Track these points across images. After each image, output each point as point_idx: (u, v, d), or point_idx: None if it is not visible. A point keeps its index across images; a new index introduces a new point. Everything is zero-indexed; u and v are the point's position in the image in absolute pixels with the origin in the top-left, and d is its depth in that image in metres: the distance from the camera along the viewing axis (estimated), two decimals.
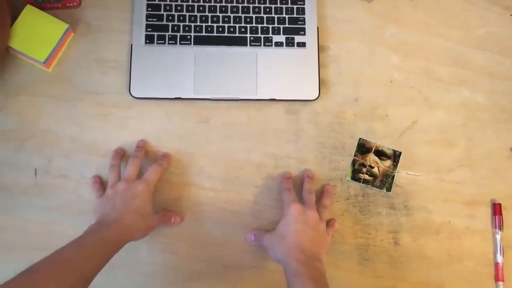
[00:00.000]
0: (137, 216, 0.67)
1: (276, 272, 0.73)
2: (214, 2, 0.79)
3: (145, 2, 0.78)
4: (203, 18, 0.79)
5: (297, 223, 0.68)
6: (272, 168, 0.77)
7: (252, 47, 0.79)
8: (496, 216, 0.76)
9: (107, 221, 0.65)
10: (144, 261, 0.73)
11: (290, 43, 0.79)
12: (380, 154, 0.78)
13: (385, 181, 0.77)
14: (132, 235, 0.66)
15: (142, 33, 0.78)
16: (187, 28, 0.78)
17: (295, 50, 0.79)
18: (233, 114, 0.78)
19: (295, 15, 0.80)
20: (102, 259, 0.60)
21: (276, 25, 0.79)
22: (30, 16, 0.75)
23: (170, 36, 0.78)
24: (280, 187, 0.75)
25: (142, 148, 0.74)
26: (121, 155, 0.74)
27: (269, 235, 0.70)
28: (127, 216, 0.66)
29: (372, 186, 0.76)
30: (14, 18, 0.74)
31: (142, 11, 0.78)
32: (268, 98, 0.77)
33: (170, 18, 0.79)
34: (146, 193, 0.69)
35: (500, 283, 0.75)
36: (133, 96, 0.76)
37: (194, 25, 0.79)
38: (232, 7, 0.79)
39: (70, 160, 0.75)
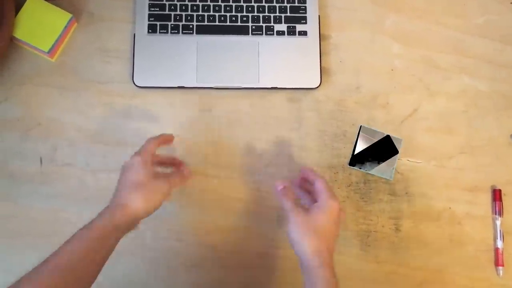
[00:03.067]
0: (132, 190, 0.60)
1: (281, 258, 0.74)
2: None
3: None
4: (205, 8, 0.79)
5: (336, 225, 0.63)
6: (275, 155, 0.77)
7: (254, 36, 0.79)
8: (496, 202, 0.77)
9: (107, 207, 0.61)
10: (149, 247, 0.74)
11: (291, 31, 0.80)
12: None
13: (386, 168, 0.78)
14: (134, 212, 0.60)
15: (144, 22, 0.78)
16: (189, 18, 0.79)
17: (296, 39, 0.80)
18: (235, 103, 0.78)
19: (296, 4, 0.80)
20: (103, 250, 0.57)
21: (277, 14, 0.80)
22: (33, 6, 0.75)
23: (172, 25, 0.79)
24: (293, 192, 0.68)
25: (167, 140, 0.70)
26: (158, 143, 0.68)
27: (301, 220, 0.62)
28: (120, 193, 0.61)
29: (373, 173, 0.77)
30: (18, 8, 0.75)
31: (144, 0, 0.79)
32: (270, 87, 0.78)
33: (173, 7, 0.79)
34: (141, 163, 0.62)
35: (500, 268, 0.76)
36: (136, 85, 0.77)
37: (196, 15, 0.79)
38: None
39: (75, 148, 0.75)
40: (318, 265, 0.59)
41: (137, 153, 0.64)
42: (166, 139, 0.69)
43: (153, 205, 0.61)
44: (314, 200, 0.65)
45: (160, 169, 0.71)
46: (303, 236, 0.61)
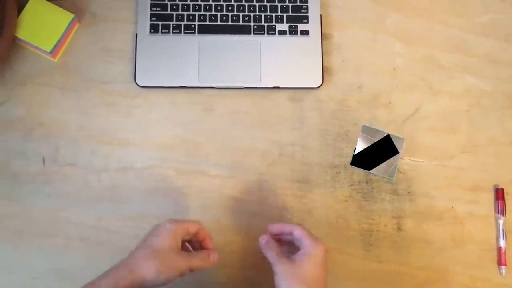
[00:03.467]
0: (149, 256, 0.57)
1: None
2: None
3: None
4: (207, 7, 0.79)
5: (324, 269, 0.61)
6: (277, 155, 0.77)
7: (255, 35, 0.79)
8: (499, 201, 0.77)
9: (117, 267, 0.58)
10: None
11: (293, 31, 0.80)
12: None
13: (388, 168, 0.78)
14: (140, 278, 0.56)
15: (146, 22, 0.79)
16: (191, 17, 0.79)
17: (298, 38, 0.80)
18: (237, 102, 0.79)
19: (298, 3, 0.80)
20: None
21: (279, 13, 0.80)
22: (36, 6, 0.75)
23: (174, 25, 0.79)
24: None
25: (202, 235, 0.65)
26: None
27: (287, 270, 0.60)
28: (135, 255, 0.58)
29: (375, 173, 0.77)
30: (20, 8, 0.75)
31: (146, 1, 0.79)
32: (272, 86, 0.78)
33: (174, 7, 0.79)
34: (171, 232, 0.60)
35: (503, 267, 0.76)
36: (138, 85, 0.77)
37: (198, 14, 0.79)
38: None
39: (77, 148, 0.76)
40: None
41: (173, 221, 0.61)
42: (203, 235, 0.65)
43: (164, 279, 0.57)
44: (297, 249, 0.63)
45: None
46: (291, 286, 0.58)
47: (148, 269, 0.56)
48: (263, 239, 0.65)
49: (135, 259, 0.57)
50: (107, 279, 0.56)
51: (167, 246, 0.59)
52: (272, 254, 0.62)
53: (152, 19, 0.79)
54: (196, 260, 0.61)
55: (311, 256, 0.61)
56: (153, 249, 0.58)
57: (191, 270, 0.60)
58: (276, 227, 0.66)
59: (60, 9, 0.76)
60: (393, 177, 0.77)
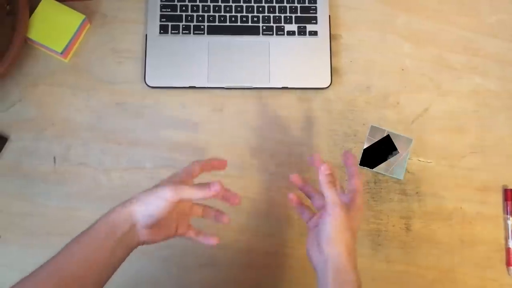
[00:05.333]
0: (137, 193, 0.56)
1: (290, 257, 0.75)
2: None
3: None
4: (216, 8, 0.80)
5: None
6: (285, 155, 0.78)
7: (264, 36, 0.80)
8: (508, 202, 0.77)
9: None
10: (160, 246, 0.74)
11: (302, 31, 0.80)
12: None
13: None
14: (129, 213, 0.54)
15: (156, 23, 0.79)
16: (200, 18, 0.80)
17: (307, 39, 0.80)
18: (246, 102, 0.79)
19: (307, 4, 0.81)
20: (102, 254, 0.53)
21: (288, 14, 0.80)
22: (47, 7, 0.76)
23: (184, 26, 0.79)
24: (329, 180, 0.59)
25: (216, 166, 0.64)
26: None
27: (345, 216, 0.56)
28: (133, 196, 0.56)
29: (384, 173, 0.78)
30: (32, 10, 0.76)
31: (156, 1, 0.80)
32: (280, 87, 0.78)
33: (184, 8, 0.80)
34: (166, 178, 0.59)
35: None
36: (148, 85, 0.78)
37: (207, 15, 0.80)
38: None
39: (88, 148, 0.76)
40: (351, 268, 0.55)
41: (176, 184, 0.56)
42: (214, 165, 0.63)
43: (151, 211, 0.54)
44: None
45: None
46: (343, 232, 0.56)
47: (134, 202, 0.54)
48: (326, 169, 0.58)
49: (125, 202, 0.55)
50: (100, 222, 0.54)
51: (157, 184, 0.57)
52: (335, 193, 0.57)
53: (162, 20, 0.79)
54: (188, 188, 0.54)
55: (360, 213, 0.60)
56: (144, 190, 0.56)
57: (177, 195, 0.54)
58: (349, 159, 0.64)
59: (71, 10, 0.77)
60: (401, 177, 0.78)
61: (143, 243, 0.57)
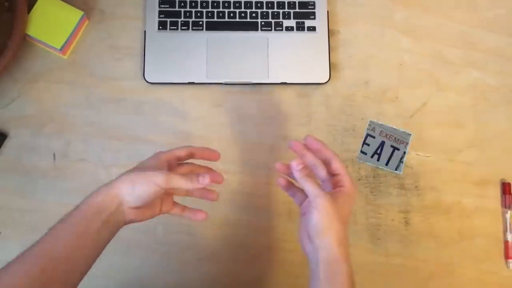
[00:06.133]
0: (124, 173, 0.56)
1: (290, 252, 0.75)
2: None
3: None
4: (215, 4, 0.80)
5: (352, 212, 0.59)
6: (284, 150, 0.78)
7: (263, 31, 0.80)
8: (506, 195, 0.77)
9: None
10: (161, 241, 0.75)
11: (300, 27, 0.80)
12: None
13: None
14: (116, 194, 0.54)
15: (155, 19, 0.79)
16: (199, 14, 0.80)
17: (305, 34, 0.80)
18: (245, 98, 0.79)
19: (305, 0, 0.81)
20: (88, 235, 0.53)
21: (286, 9, 0.81)
22: (46, 4, 0.76)
23: (182, 22, 0.79)
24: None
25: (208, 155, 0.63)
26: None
27: (331, 206, 0.54)
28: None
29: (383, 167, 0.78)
30: (30, 6, 0.76)
31: None
32: (279, 82, 0.79)
33: (182, 4, 0.80)
34: (153, 155, 0.60)
35: (510, 260, 0.76)
36: (147, 81, 0.78)
37: (206, 11, 0.80)
38: None
39: (87, 144, 0.76)
40: (343, 257, 0.54)
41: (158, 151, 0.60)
42: (206, 154, 0.63)
43: (139, 193, 0.54)
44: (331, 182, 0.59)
45: None
46: (331, 223, 0.54)
47: (120, 182, 0.54)
48: (298, 165, 0.57)
49: (111, 182, 0.55)
50: (85, 202, 0.54)
51: (144, 165, 0.58)
52: (314, 185, 0.56)
53: (161, 16, 0.79)
54: (175, 175, 0.55)
55: (351, 197, 0.58)
56: (129, 169, 0.57)
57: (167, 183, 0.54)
58: (315, 144, 0.60)
59: (70, 6, 0.77)
60: (400, 172, 0.78)
61: (129, 222, 0.57)
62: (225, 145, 0.78)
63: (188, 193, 0.65)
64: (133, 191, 0.54)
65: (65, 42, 0.76)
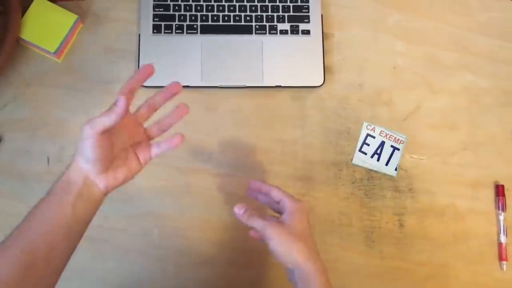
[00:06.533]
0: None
1: None
2: None
3: None
4: (209, 7, 0.80)
5: (309, 225, 0.62)
6: (279, 153, 0.78)
7: (257, 35, 0.80)
8: (500, 197, 0.78)
9: None
10: (156, 245, 0.75)
11: (294, 30, 0.80)
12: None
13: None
14: (77, 164, 0.53)
15: (149, 23, 0.79)
16: (193, 18, 0.80)
17: (299, 38, 0.80)
18: (240, 101, 0.79)
19: (299, 3, 0.81)
20: (62, 213, 0.52)
21: (280, 13, 0.81)
22: (39, 7, 0.76)
23: (177, 25, 0.80)
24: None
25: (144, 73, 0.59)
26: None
27: (281, 230, 0.59)
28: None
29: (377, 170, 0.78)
30: (24, 10, 0.75)
31: (149, 1, 0.80)
32: (274, 85, 0.79)
33: (177, 8, 0.80)
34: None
35: (504, 262, 0.76)
36: (142, 85, 0.77)
37: (200, 15, 0.80)
38: None
39: None
40: (313, 271, 0.57)
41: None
42: (142, 74, 0.59)
43: (87, 156, 0.52)
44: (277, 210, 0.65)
45: None
46: (290, 245, 0.58)
47: (78, 155, 0.53)
48: (240, 209, 0.62)
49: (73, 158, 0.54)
50: (57, 180, 0.54)
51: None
52: (258, 220, 0.60)
53: (155, 19, 0.79)
54: (98, 117, 0.51)
55: (296, 214, 0.61)
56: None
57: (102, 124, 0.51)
58: (255, 184, 0.67)
59: (64, 10, 0.77)
60: (394, 174, 0.78)
61: (106, 190, 0.56)
62: (220, 148, 0.78)
63: (150, 134, 0.62)
64: (84, 156, 0.53)
65: (59, 46, 0.76)
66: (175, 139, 0.60)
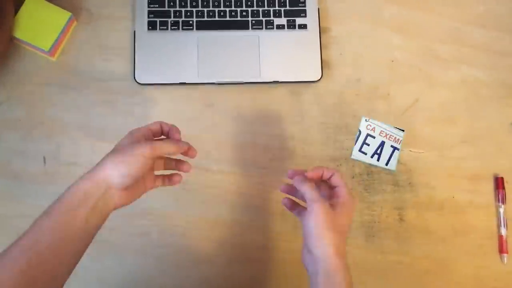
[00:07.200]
0: (106, 156, 0.55)
1: (286, 252, 0.75)
2: None
3: None
4: (205, 3, 0.79)
5: (351, 223, 0.60)
6: (278, 149, 0.78)
7: (254, 30, 0.79)
8: (499, 190, 0.78)
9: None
10: (155, 244, 0.74)
11: (291, 25, 0.80)
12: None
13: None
14: (102, 176, 0.53)
15: (144, 19, 0.78)
16: (189, 14, 0.79)
17: (296, 32, 0.80)
18: (237, 97, 0.79)
19: None
20: (74, 225, 0.51)
21: (277, 8, 0.80)
22: (32, 5, 0.75)
23: (172, 22, 0.79)
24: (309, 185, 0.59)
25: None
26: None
27: (328, 214, 0.55)
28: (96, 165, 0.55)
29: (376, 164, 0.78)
30: (17, 8, 0.74)
31: None
32: (271, 81, 0.78)
33: (172, 4, 0.79)
34: (127, 135, 0.58)
35: (505, 255, 0.76)
36: (138, 83, 0.77)
37: (196, 10, 0.79)
38: None
39: (78, 147, 0.75)
40: (342, 266, 0.54)
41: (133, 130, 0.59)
42: (166, 128, 0.61)
43: (128, 171, 0.53)
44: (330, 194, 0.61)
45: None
46: (327, 232, 0.54)
47: (106, 164, 0.53)
48: (294, 173, 0.60)
49: (95, 167, 0.54)
50: (71, 189, 0.53)
51: (123, 142, 0.56)
52: (312, 188, 0.57)
53: (150, 16, 0.78)
54: (161, 143, 0.56)
55: (349, 207, 0.58)
56: (110, 151, 0.56)
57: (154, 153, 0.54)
58: (316, 172, 0.61)
59: (57, 8, 0.76)
60: (393, 169, 0.78)
61: (117, 206, 0.56)
62: (218, 145, 0.77)
63: (165, 166, 0.64)
64: (122, 171, 0.53)
65: (53, 44, 0.75)
66: (185, 166, 0.64)
